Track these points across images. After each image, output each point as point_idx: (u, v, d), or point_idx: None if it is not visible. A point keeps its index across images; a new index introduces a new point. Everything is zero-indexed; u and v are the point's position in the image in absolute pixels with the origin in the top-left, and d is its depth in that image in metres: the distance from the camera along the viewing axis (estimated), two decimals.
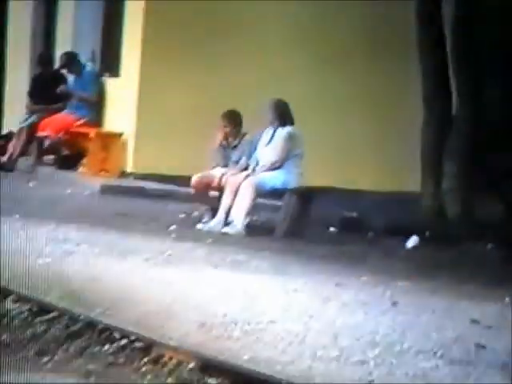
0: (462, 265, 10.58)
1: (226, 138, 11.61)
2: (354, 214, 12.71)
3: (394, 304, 7.77)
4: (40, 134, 14.61)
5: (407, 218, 12.55)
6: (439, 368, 5.96)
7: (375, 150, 14.80)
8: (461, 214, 12.94)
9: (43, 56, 15.35)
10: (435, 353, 6.28)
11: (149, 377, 5.51)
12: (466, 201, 13.14)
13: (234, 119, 11.60)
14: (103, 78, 14.85)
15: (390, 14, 14.61)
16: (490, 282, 9.35)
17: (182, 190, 12.31)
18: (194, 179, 11.45)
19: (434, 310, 7.74)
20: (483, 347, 6.55)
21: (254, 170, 11.37)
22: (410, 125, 13.59)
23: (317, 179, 12.34)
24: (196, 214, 11.46)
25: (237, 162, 11.50)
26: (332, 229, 12.13)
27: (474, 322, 7.34)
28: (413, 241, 11.86)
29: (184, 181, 11.97)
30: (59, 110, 14.76)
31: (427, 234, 12.05)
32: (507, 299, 8.45)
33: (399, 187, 14.03)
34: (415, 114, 13.22)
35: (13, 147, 14.61)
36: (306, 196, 11.49)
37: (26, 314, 6.52)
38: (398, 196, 13.65)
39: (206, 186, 11.44)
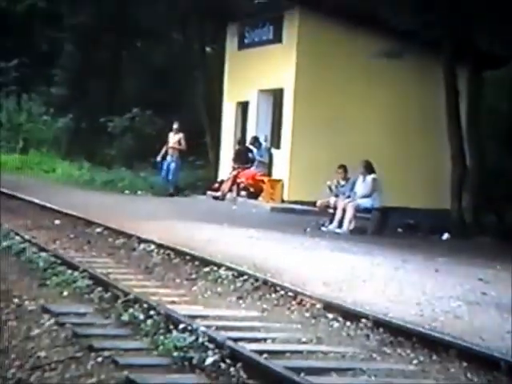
0: (473, 249, 10.18)
1: (338, 180, 11.52)
2: (412, 221, 12.36)
3: (437, 270, 7.53)
4: (238, 180, 14.78)
5: (443, 223, 12.13)
6: (461, 306, 5.68)
7: (426, 184, 14.21)
8: (472, 221, 12.61)
9: (241, 140, 15.54)
10: (453, 296, 6.03)
11: (295, 312, 5.38)
12: (476, 214, 12.83)
13: (344, 169, 11.50)
14: (272, 150, 14.93)
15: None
16: (489, 258, 8.93)
17: (313, 208, 12.18)
18: (318, 203, 11.45)
19: (458, 275, 7.41)
20: (485, 294, 6.29)
21: (354, 197, 11.22)
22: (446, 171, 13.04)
23: (391, 201, 11.93)
24: (321, 221, 11.29)
25: (343, 193, 11.38)
26: (399, 230, 11.87)
27: (480, 279, 7.03)
28: (445, 236, 11.59)
29: (314, 204, 11.84)
30: (248, 168, 14.89)
31: (453, 232, 11.68)
32: (498, 267, 8.09)
33: (438, 205, 13.46)
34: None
35: (224, 187, 14.86)
36: (384, 212, 11.29)
37: (230, 277, 6.43)
38: (437, 211, 13.15)
39: (326, 207, 11.37)
